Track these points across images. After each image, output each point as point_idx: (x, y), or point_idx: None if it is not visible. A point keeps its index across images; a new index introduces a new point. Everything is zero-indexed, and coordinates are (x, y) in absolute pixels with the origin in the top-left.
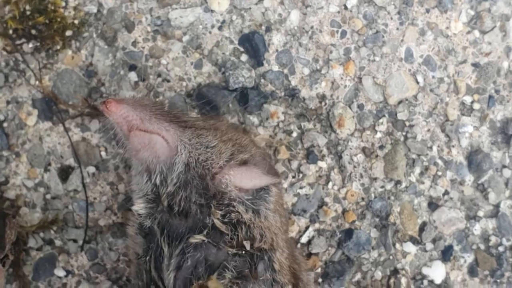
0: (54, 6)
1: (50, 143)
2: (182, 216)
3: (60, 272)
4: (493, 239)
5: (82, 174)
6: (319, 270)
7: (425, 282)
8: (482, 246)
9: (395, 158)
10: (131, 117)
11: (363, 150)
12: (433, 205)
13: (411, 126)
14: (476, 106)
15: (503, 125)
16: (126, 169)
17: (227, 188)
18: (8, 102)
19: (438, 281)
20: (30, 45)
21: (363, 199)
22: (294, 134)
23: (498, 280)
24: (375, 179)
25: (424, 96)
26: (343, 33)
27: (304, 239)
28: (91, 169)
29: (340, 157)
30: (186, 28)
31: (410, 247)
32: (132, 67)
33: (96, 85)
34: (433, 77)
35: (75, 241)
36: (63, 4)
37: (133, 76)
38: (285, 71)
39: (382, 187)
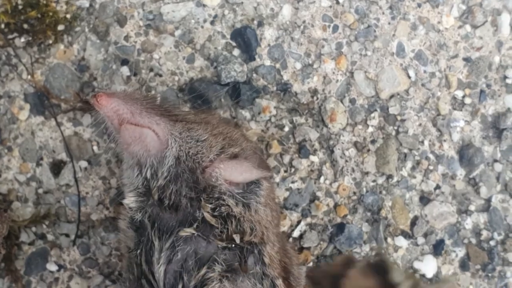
0: (46, 0)
1: (42, 137)
2: (172, 210)
3: (52, 267)
4: (484, 233)
5: (74, 169)
6: (311, 264)
7: (417, 276)
8: (473, 240)
9: (386, 152)
10: (122, 110)
11: (355, 144)
12: (424, 199)
13: (403, 120)
14: (468, 100)
15: (495, 120)
16: (118, 163)
17: (217, 181)
18: (0, 97)
19: (429, 275)
20: (22, 39)
21: (354, 193)
22: (286, 129)
23: (490, 274)
24: (367, 173)
25: (415, 91)
26: (335, 28)
27: (296, 234)
28: (83, 163)
29: (332, 151)
30: (178, 23)
31: (402, 241)
32: (124, 62)
33: (88, 80)
34: (424, 71)
35: (67, 235)
36: None
37: (125, 70)
38: (277, 65)
39: (373, 181)
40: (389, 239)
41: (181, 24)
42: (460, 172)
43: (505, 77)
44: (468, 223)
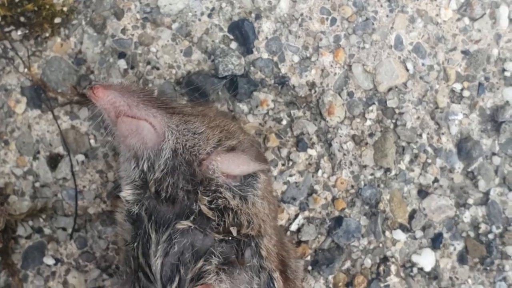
0: None
1: (39, 131)
2: (169, 202)
3: (49, 261)
4: (482, 227)
5: (71, 162)
6: (308, 258)
7: (415, 269)
8: (472, 234)
9: (384, 145)
10: (119, 103)
11: (353, 137)
12: (422, 192)
13: (401, 113)
14: (466, 93)
15: (493, 113)
16: (115, 157)
17: (214, 174)
18: None
19: (427, 268)
20: (19, 32)
21: (352, 186)
22: (284, 122)
23: (488, 268)
24: (365, 166)
25: (414, 84)
26: (333, 21)
27: (293, 227)
28: (80, 157)
29: (330, 144)
30: (175, 16)
31: (400, 235)
32: (122, 55)
33: (85, 73)
34: (423, 64)
35: (64, 229)
36: None
37: (122, 63)
38: (275, 58)
39: (371, 174)
40: (387, 233)
41: (178, 17)
42: (458, 165)
43: (504, 70)
44: (467, 216)
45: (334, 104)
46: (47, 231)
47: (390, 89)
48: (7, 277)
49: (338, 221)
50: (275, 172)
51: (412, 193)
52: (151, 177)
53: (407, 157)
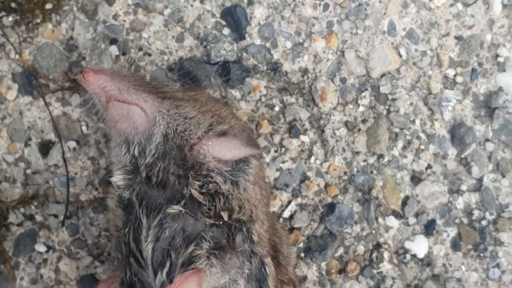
0: None
1: (31, 117)
2: (160, 187)
3: (41, 248)
4: (476, 213)
5: (63, 149)
6: (301, 244)
7: (408, 256)
8: (465, 220)
9: (377, 132)
10: (109, 87)
11: (346, 124)
12: (415, 179)
13: (394, 99)
14: (459, 79)
15: (486, 99)
16: (107, 143)
17: (205, 159)
18: None
19: (421, 255)
20: (10, 18)
21: (345, 173)
22: (276, 108)
23: (481, 254)
24: (358, 153)
25: (407, 70)
26: (326, 6)
27: (286, 214)
28: (72, 143)
29: (323, 131)
30: (167, 1)
31: (393, 221)
32: (113, 41)
33: (76, 59)
34: (416, 50)
35: (56, 216)
36: None
37: (114, 50)
38: (267, 44)
39: (364, 161)
40: (380, 219)
41: (170, 3)
42: (452, 152)
43: (497, 56)
44: (460, 202)
45: (327, 90)
46: (38, 218)
47: (383, 75)
48: None
49: (331, 207)
50: (267, 159)
51: (405, 179)
52: (142, 162)
53: (400, 143)
